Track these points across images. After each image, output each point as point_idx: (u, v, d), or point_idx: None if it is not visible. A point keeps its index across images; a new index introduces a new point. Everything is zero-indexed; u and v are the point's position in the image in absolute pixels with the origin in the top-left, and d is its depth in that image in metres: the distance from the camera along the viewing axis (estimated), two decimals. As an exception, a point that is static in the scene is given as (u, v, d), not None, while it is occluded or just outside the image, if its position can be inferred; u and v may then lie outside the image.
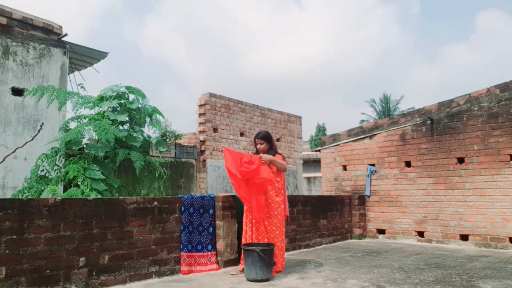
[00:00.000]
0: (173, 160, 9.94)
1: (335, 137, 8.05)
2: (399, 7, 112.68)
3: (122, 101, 5.56)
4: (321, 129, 31.73)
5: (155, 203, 4.19)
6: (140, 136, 5.59)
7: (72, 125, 5.79)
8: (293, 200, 6.07)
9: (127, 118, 5.49)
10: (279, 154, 4.56)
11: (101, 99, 5.46)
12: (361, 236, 7.28)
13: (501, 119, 6.06)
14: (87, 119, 5.36)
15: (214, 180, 10.61)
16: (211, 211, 4.66)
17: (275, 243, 4.29)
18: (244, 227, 4.45)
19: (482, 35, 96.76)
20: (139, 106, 5.63)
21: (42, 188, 4.76)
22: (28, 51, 6.24)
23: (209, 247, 4.55)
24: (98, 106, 5.44)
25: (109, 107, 5.48)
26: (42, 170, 5.18)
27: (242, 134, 11.40)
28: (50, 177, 5.10)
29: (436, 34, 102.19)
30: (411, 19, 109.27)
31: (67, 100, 5.15)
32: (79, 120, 5.39)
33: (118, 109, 5.52)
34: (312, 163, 23.47)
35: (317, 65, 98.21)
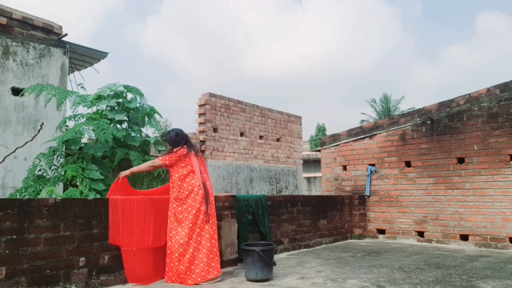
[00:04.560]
0: (173, 160, 9.90)
1: (335, 137, 8.05)
2: (401, 8, 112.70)
3: (120, 100, 5.53)
4: (321, 129, 31.69)
5: (155, 203, 4.17)
6: (138, 135, 5.57)
7: (70, 124, 5.76)
8: (293, 200, 6.07)
9: (125, 117, 5.47)
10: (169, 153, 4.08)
11: (99, 97, 5.44)
12: (361, 236, 7.28)
13: (501, 119, 6.06)
14: (84, 118, 5.34)
15: (214, 180, 10.60)
16: (211, 211, 4.64)
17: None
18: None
19: (482, 36, 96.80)
20: (137, 105, 5.61)
21: (40, 187, 4.74)
22: (28, 51, 6.24)
23: (209, 247, 4.54)
24: (95, 105, 5.42)
25: (107, 106, 5.46)
26: (40, 170, 5.16)
27: (242, 134, 11.40)
28: (47, 177, 5.08)
29: (437, 35, 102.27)
30: (413, 20, 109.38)
31: (64, 98, 5.13)
32: (76, 119, 5.37)
33: (116, 108, 5.50)
34: (312, 163, 23.47)
35: (318, 65, 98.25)
